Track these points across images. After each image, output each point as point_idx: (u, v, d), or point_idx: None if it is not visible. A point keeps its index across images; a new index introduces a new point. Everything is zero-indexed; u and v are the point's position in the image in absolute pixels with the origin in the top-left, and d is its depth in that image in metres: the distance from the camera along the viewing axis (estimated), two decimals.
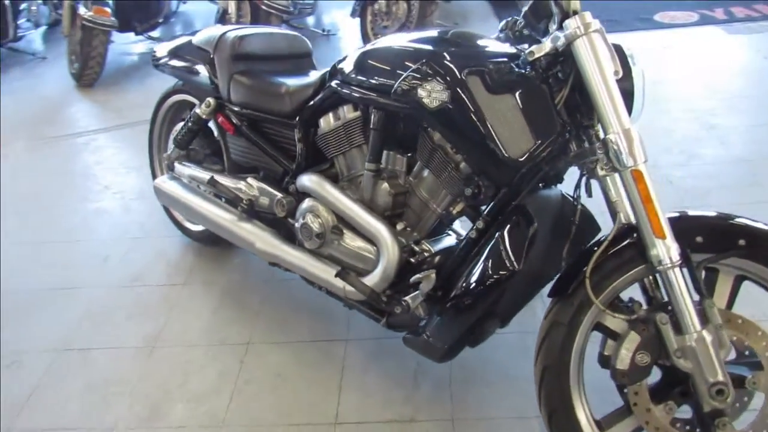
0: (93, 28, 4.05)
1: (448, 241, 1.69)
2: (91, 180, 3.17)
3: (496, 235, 1.37)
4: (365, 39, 4.27)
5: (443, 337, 1.45)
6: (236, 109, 1.93)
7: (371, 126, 1.58)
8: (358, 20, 4.38)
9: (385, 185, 1.61)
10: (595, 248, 1.31)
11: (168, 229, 2.54)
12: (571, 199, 1.43)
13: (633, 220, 1.28)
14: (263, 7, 4.09)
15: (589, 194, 1.41)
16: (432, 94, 1.37)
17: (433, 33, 1.55)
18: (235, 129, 1.95)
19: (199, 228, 2.35)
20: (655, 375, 1.33)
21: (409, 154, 1.63)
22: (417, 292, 1.47)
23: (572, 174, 1.44)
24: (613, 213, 1.33)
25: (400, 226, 1.64)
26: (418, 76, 1.39)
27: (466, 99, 1.34)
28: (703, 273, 1.30)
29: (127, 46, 5.18)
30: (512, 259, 1.32)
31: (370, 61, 1.55)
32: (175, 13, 5.64)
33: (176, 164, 2.20)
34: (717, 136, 2.87)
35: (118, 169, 3.23)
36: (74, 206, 2.91)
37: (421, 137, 1.53)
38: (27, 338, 2.11)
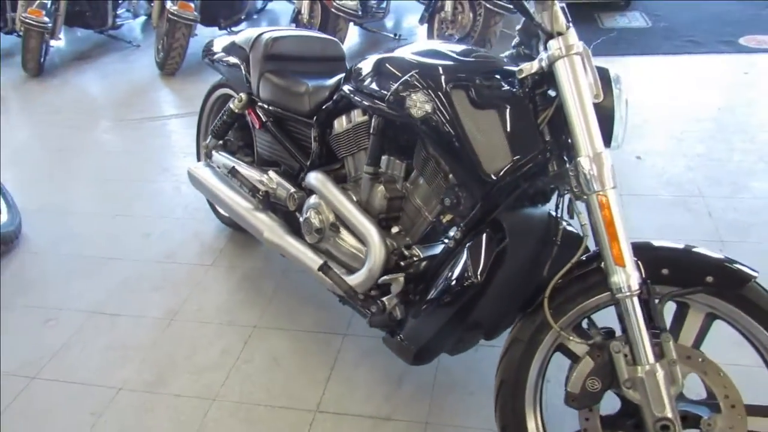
0: (177, 21, 4.36)
1: (440, 248, 1.73)
2: (154, 161, 3.43)
3: (466, 247, 1.39)
4: None
5: (414, 340, 1.50)
6: (264, 105, 2.06)
7: (371, 131, 1.64)
8: (426, 27, 4.44)
9: (382, 189, 1.67)
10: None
11: (207, 213, 2.72)
12: (556, 219, 1.43)
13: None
14: (332, 10, 4.23)
15: (571, 215, 1.40)
16: (417, 105, 1.41)
17: (437, 46, 1.59)
18: (261, 124, 2.07)
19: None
20: (616, 404, 1.32)
21: (407, 161, 1.68)
22: (391, 294, 1.53)
23: None
24: (583, 236, 1.33)
25: (395, 230, 1.70)
26: (408, 86, 1.44)
27: (447, 111, 1.38)
28: (675, 306, 1.28)
29: None
30: (474, 272, 1.34)
31: (374, 69, 1.61)
32: (260, 11, 5.94)
33: (213, 153, 2.36)
34: None
35: (178, 154, 3.47)
36: (133, 184, 3.16)
37: (418, 145, 1.58)
38: (68, 299, 2.34)
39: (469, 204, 1.44)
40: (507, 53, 1.59)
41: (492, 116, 1.37)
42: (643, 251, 1.26)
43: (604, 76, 1.29)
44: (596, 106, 1.26)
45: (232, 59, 2.22)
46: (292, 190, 1.93)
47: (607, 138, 1.30)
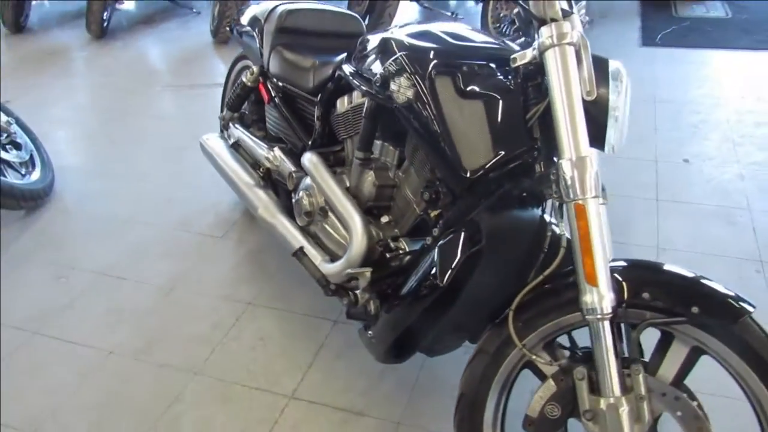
0: None
1: None
2: (190, 128, 3.45)
3: (437, 246, 1.30)
4: (483, 26, 4.14)
5: (382, 337, 1.43)
6: (274, 80, 2.00)
7: (363, 114, 1.56)
8: (481, 6, 4.26)
9: (371, 176, 1.59)
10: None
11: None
12: (548, 224, 1.32)
13: None
14: None
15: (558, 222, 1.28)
16: (401, 89, 1.32)
17: (442, 28, 1.47)
18: (270, 99, 2.03)
19: None
20: None
21: (401, 148, 1.58)
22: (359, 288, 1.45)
23: None
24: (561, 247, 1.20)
25: (384, 219, 1.62)
26: (393, 69, 1.34)
27: (429, 99, 1.27)
28: (659, 334, 1.15)
29: None
30: (440, 274, 1.25)
31: (371, 48, 1.52)
32: None
33: (230, 125, 2.34)
34: None
35: (212, 122, 3.48)
36: (167, 149, 3.21)
37: (409, 133, 1.48)
38: (82, 258, 2.40)
39: (448, 200, 1.34)
40: (521, 40, 1.44)
41: (477, 107, 1.25)
42: (623, 270, 1.13)
43: (603, 70, 1.15)
44: (588, 104, 1.13)
45: (250, 30, 2.17)
46: (293, 169, 1.88)
47: (601, 141, 1.16)
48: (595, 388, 1.09)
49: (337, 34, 2.07)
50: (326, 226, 1.69)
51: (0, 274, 2.31)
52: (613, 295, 1.08)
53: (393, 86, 1.34)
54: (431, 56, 1.31)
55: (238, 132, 2.26)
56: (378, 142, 1.61)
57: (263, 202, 1.91)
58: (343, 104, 1.73)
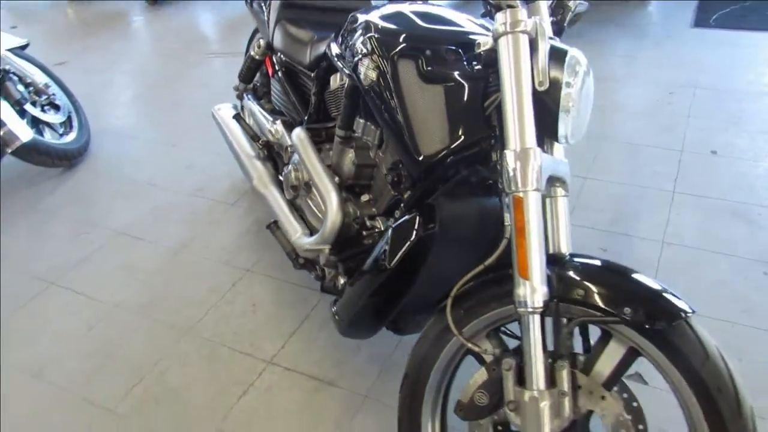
0: None
1: None
2: (224, 96, 3.53)
3: (391, 227, 1.31)
4: None
5: (343, 312, 1.46)
6: (277, 54, 2.04)
7: (343, 93, 1.57)
8: None
9: (351, 154, 1.61)
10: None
11: None
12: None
13: None
14: None
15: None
16: (366, 71, 1.32)
17: (414, 8, 1.45)
18: (273, 72, 2.06)
19: None
20: None
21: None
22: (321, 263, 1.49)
23: None
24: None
25: (364, 198, 1.64)
26: (362, 50, 1.35)
27: (390, 81, 1.27)
28: (600, 332, 1.13)
29: None
30: (388, 256, 1.27)
31: (352, 26, 1.52)
32: None
33: (244, 96, 2.40)
34: None
35: None
36: (197, 116, 3.31)
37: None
38: (104, 217, 2.55)
39: (409, 183, 1.35)
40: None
41: (437, 92, 1.25)
42: (562, 265, 1.11)
43: (560, 60, 1.12)
44: (541, 94, 1.10)
45: (260, 3, 2.21)
46: (289, 143, 1.92)
47: (554, 132, 1.14)
48: (522, 380, 1.09)
49: (344, 10, 2.07)
50: (309, 201, 1.73)
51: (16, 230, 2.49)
52: (546, 289, 1.07)
53: (360, 67, 1.35)
54: (397, 39, 1.30)
55: (249, 103, 2.32)
56: (361, 121, 1.62)
57: (258, 172, 1.97)
58: (335, 81, 1.74)
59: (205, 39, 4.57)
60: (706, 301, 1.83)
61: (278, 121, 2.04)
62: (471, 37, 1.30)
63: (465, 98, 1.22)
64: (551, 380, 1.07)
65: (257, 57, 2.15)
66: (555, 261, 1.16)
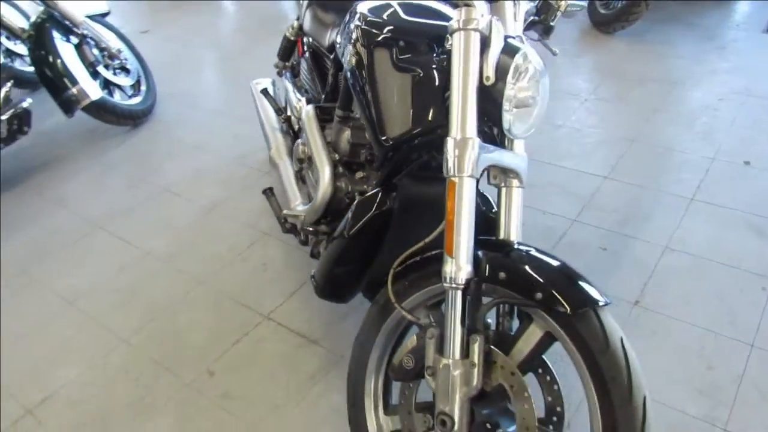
0: None
1: None
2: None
3: (355, 202, 1.43)
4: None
5: (317, 276, 1.60)
6: (305, 35, 2.18)
7: (343, 75, 1.69)
8: None
9: (347, 133, 1.73)
10: None
11: None
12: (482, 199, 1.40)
13: None
14: None
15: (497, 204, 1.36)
16: (348, 56, 1.44)
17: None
18: (302, 52, 2.21)
19: None
20: None
21: None
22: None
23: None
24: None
25: (359, 175, 1.76)
26: (348, 36, 1.47)
27: (366, 68, 1.38)
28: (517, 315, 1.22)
29: None
30: (347, 227, 1.39)
31: (351, 12, 1.63)
32: None
33: (283, 73, 2.57)
34: None
35: None
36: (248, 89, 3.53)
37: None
38: (154, 174, 2.82)
39: (379, 163, 1.46)
40: None
41: (406, 80, 1.34)
42: (490, 248, 1.20)
43: (509, 58, 1.19)
44: (489, 88, 1.18)
45: None
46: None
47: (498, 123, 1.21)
48: (442, 349, 1.19)
49: None
50: (311, 174, 1.87)
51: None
52: (470, 268, 1.16)
53: (345, 53, 1.47)
54: (376, 30, 1.40)
55: (284, 80, 2.48)
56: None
57: (277, 144, 2.14)
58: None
59: (287, 16, 4.78)
60: (694, 308, 1.83)
61: (303, 99, 2.19)
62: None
63: (428, 88, 1.32)
64: (465, 352, 1.16)
65: (291, 37, 2.31)
66: (498, 247, 1.24)
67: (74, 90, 2.84)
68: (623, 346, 1.08)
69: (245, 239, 2.33)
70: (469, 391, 1.15)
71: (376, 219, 1.39)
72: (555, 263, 1.17)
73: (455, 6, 1.19)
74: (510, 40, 1.22)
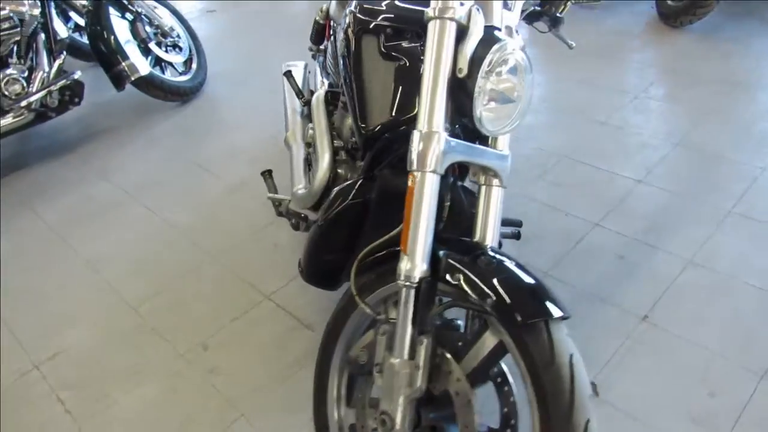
0: None
1: None
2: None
3: (335, 189, 1.42)
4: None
5: (303, 261, 1.60)
6: (331, 19, 2.17)
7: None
8: None
9: (349, 120, 1.71)
10: None
11: None
12: (461, 194, 1.36)
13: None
14: None
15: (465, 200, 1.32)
16: (342, 43, 1.42)
17: None
18: (328, 37, 2.21)
19: None
20: None
21: None
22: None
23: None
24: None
25: (359, 163, 1.75)
26: (344, 23, 1.44)
27: (354, 54, 1.36)
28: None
29: None
30: (324, 214, 1.38)
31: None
32: None
33: (317, 56, 2.58)
34: None
35: None
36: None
37: None
38: (189, 149, 2.92)
39: (361, 152, 1.44)
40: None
41: (390, 69, 1.31)
42: (455, 248, 1.15)
43: (485, 50, 1.13)
44: (461, 81, 1.13)
45: None
46: None
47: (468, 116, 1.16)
48: (391, 347, 1.16)
49: None
50: (315, 159, 1.87)
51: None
52: (425, 267, 1.12)
53: (341, 38, 1.44)
54: (367, 16, 1.37)
55: (315, 64, 2.49)
56: None
57: (294, 126, 2.15)
58: None
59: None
60: (706, 329, 1.69)
61: (326, 83, 2.19)
62: None
63: (412, 78, 1.27)
64: (413, 352, 1.13)
65: (321, 21, 2.30)
66: (465, 248, 1.19)
67: (124, 65, 2.96)
68: (571, 364, 1.01)
69: (262, 219, 2.37)
70: (413, 393, 1.12)
71: (352, 209, 1.37)
72: (518, 272, 1.11)
73: None
74: (493, 32, 1.16)
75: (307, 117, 2.19)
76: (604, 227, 2.11)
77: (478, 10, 1.14)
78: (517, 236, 1.86)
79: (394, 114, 1.28)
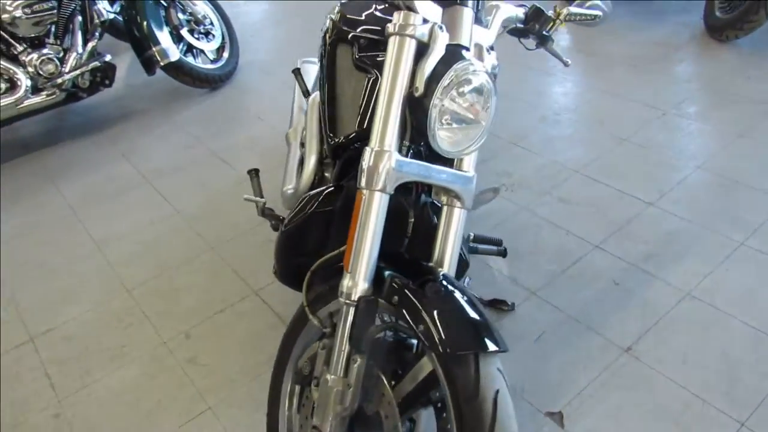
0: None
1: None
2: None
3: (305, 196, 1.41)
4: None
5: (275, 262, 1.61)
6: None
7: None
8: None
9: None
10: None
11: None
12: (429, 211, 1.34)
13: None
14: None
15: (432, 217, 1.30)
16: (320, 49, 1.41)
17: None
18: None
19: None
20: None
21: None
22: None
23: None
24: None
25: None
26: (326, 30, 1.44)
27: (328, 63, 1.36)
28: None
29: None
30: (290, 217, 1.38)
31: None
32: None
33: None
34: None
35: None
36: None
37: None
38: (211, 138, 2.97)
39: (331, 161, 1.43)
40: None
41: (361, 80, 1.30)
42: (406, 269, 1.13)
43: (443, 69, 1.10)
44: (418, 99, 1.11)
45: None
46: None
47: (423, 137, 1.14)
48: (329, 362, 1.16)
49: None
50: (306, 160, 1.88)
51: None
52: (366, 286, 1.11)
53: (322, 45, 1.44)
54: (347, 24, 1.36)
55: None
56: None
57: (297, 124, 2.15)
58: None
59: None
60: (691, 368, 1.61)
61: None
62: None
63: (379, 90, 1.26)
64: (347, 370, 1.12)
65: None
66: (414, 270, 1.18)
67: (155, 50, 3.04)
68: (495, 400, 0.99)
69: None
70: (344, 410, 1.12)
71: (317, 217, 1.36)
72: (461, 302, 1.08)
73: (396, 7, 1.12)
74: (459, 50, 1.13)
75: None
76: (604, 250, 2.04)
77: (440, 28, 1.11)
78: (503, 253, 1.83)
79: (362, 126, 1.27)
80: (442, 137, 1.12)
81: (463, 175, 1.22)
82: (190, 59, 3.27)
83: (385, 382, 1.13)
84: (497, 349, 1.01)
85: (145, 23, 3.04)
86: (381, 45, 1.30)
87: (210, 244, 2.27)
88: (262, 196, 1.79)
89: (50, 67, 2.81)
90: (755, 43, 3.21)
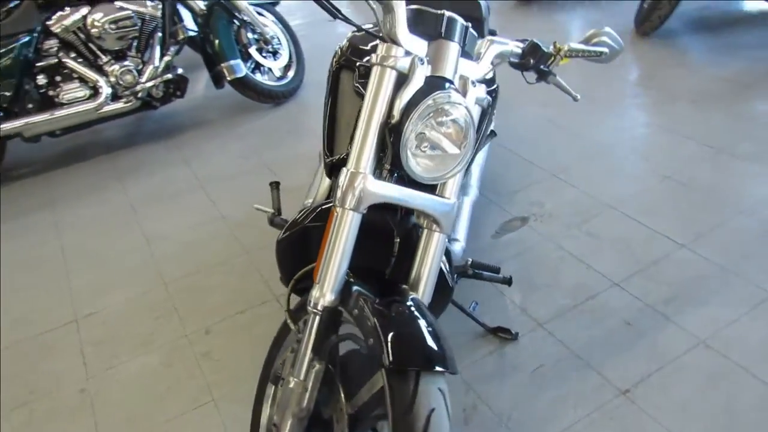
0: None
1: None
2: None
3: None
4: None
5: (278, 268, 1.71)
6: None
7: None
8: None
9: None
10: None
11: None
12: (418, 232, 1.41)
13: None
14: None
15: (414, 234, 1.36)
16: (328, 71, 1.52)
17: None
18: None
19: None
20: None
21: None
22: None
23: None
24: None
25: None
26: (333, 56, 1.54)
27: (330, 87, 1.45)
28: None
29: None
30: (287, 228, 1.48)
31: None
32: None
33: None
34: None
35: None
36: None
37: None
38: (268, 151, 3.16)
39: (328, 177, 1.52)
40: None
41: (356, 105, 1.39)
42: (376, 286, 1.20)
43: (421, 99, 1.16)
44: (393, 127, 1.18)
45: None
46: None
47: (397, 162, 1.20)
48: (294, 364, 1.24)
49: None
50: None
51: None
52: (332, 298, 1.18)
53: (329, 67, 1.54)
54: (354, 51, 1.46)
55: None
56: None
57: None
58: None
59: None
60: (688, 420, 1.55)
61: None
62: None
63: None
64: (307, 374, 1.20)
65: None
66: (383, 288, 1.24)
67: (224, 66, 3.29)
68: (429, 418, 1.03)
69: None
70: (300, 412, 1.19)
71: (311, 231, 1.45)
72: (421, 325, 1.13)
73: (382, 39, 1.20)
74: (440, 82, 1.19)
75: None
76: (624, 288, 1.99)
77: (421, 61, 1.18)
78: (508, 282, 1.84)
79: (348, 148, 1.35)
80: (418, 163, 1.18)
81: (440, 201, 1.27)
82: (257, 76, 3.49)
83: (341, 389, 1.19)
84: (442, 369, 1.05)
85: (216, 41, 3.29)
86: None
87: (246, 249, 2.42)
88: (277, 207, 1.90)
89: (129, 78, 3.10)
90: None
